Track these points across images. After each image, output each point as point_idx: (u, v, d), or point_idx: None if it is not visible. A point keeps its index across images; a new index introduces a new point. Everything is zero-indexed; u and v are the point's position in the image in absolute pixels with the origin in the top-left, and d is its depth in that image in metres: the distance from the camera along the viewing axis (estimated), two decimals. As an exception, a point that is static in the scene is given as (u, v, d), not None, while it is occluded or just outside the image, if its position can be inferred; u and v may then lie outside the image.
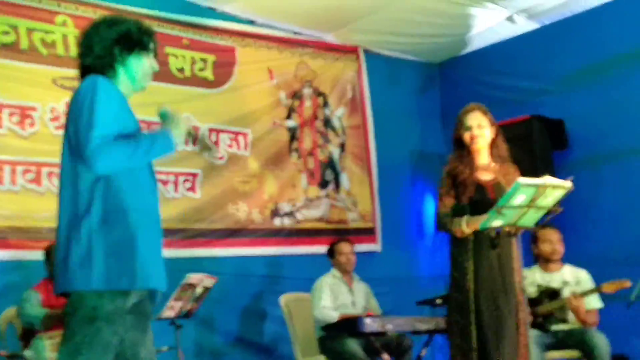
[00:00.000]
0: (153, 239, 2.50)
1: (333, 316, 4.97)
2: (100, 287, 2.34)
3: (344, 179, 6.49)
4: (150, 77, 2.65)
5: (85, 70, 2.57)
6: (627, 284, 4.40)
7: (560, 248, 4.82)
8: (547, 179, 3.50)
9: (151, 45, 2.63)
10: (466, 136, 3.82)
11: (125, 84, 2.60)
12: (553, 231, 4.81)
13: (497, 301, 3.65)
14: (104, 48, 2.54)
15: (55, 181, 5.05)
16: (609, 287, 4.49)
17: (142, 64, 2.60)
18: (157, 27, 5.50)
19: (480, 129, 3.80)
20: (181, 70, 5.73)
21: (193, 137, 2.68)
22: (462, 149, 3.86)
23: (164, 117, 2.64)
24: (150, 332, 2.57)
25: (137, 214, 2.43)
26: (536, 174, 3.80)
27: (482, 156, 3.85)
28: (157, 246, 2.52)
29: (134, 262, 2.39)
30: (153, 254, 2.48)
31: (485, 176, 3.82)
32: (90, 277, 2.34)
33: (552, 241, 4.80)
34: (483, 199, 3.70)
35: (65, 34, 5.22)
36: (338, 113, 6.60)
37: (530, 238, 4.88)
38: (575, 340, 4.57)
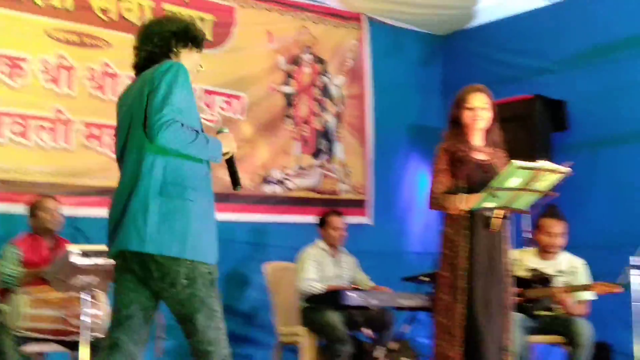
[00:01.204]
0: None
1: (318, 288, 4.92)
2: (199, 258, 2.60)
3: (339, 149, 6.39)
4: (195, 74, 2.84)
5: (142, 60, 2.79)
6: (618, 289, 4.32)
7: (558, 241, 4.72)
8: (543, 163, 3.45)
9: (203, 45, 2.90)
10: (468, 115, 3.78)
11: None
12: (556, 222, 4.69)
13: (489, 281, 3.64)
14: (163, 39, 2.78)
15: (44, 135, 4.97)
16: (599, 288, 4.43)
17: (192, 60, 2.83)
18: (153, -17, 5.42)
19: (483, 111, 3.79)
20: (178, 28, 5.60)
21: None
22: (458, 128, 3.80)
23: (220, 132, 2.87)
24: None
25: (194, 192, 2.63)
26: (535, 154, 3.77)
27: (477, 138, 3.84)
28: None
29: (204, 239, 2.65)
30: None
31: (480, 156, 3.80)
32: (185, 247, 2.56)
33: (551, 234, 4.70)
34: (481, 178, 3.67)
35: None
36: (337, 81, 6.48)
37: (532, 224, 4.83)
38: (559, 326, 4.55)
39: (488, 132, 3.84)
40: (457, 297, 3.63)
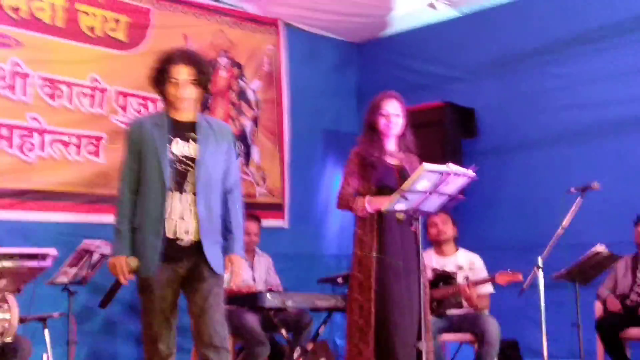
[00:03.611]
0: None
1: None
2: None
3: (255, 152, 6.42)
4: None
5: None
6: (519, 277, 4.53)
7: (446, 229, 4.90)
8: (451, 167, 3.57)
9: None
10: (382, 121, 3.92)
11: None
12: (439, 215, 4.84)
13: (402, 281, 3.75)
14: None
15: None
16: (501, 279, 4.62)
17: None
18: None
19: (397, 118, 3.94)
20: (92, 29, 5.51)
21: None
22: (373, 133, 3.93)
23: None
24: None
25: None
26: (445, 160, 3.88)
27: (391, 143, 3.99)
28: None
29: None
30: None
31: (392, 161, 3.96)
32: None
33: (437, 223, 4.89)
34: (392, 181, 3.82)
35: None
36: (253, 86, 6.51)
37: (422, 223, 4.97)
38: (468, 324, 4.69)
39: (401, 137, 3.99)
40: (368, 297, 3.75)
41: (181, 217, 3.12)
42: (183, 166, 3.11)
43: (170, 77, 3.16)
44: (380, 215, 3.78)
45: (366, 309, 3.75)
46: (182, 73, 3.17)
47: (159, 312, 3.12)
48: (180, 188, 3.12)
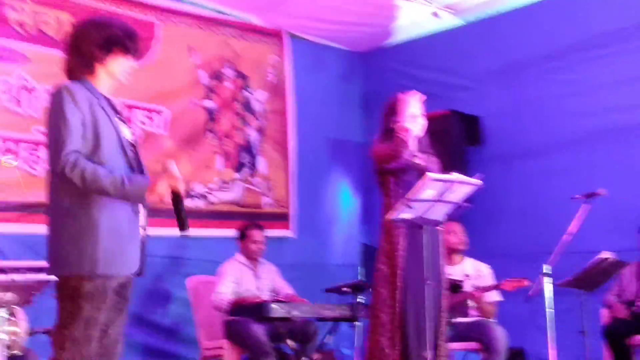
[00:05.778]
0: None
1: (225, 302, 4.94)
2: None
3: (261, 163, 6.44)
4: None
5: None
6: (526, 283, 4.54)
7: (464, 238, 4.94)
8: (455, 176, 3.58)
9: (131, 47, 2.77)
10: (407, 121, 3.90)
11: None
12: (456, 223, 4.90)
13: (424, 285, 3.72)
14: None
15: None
16: (508, 285, 4.63)
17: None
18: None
19: (421, 118, 3.97)
20: (97, 42, 5.55)
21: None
22: (392, 134, 3.91)
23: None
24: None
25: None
26: (450, 168, 3.90)
27: (413, 143, 3.97)
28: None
29: None
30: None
31: (417, 161, 3.98)
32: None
33: (457, 232, 4.92)
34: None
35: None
36: (259, 96, 6.53)
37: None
38: (475, 332, 4.69)
39: (421, 138, 4.01)
40: (395, 296, 3.75)
41: None
42: None
43: None
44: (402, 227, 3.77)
45: (392, 307, 3.74)
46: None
47: None
48: None
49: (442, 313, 3.79)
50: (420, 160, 3.95)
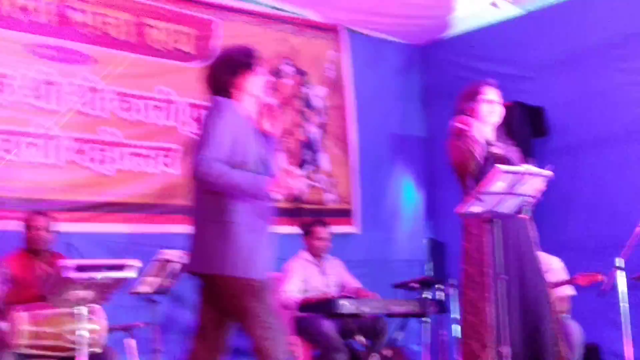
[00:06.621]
0: None
1: (293, 300, 4.94)
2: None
3: (324, 159, 6.44)
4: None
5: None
6: (600, 277, 4.44)
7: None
8: (526, 167, 3.52)
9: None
10: (485, 108, 3.83)
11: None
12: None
13: (517, 283, 3.65)
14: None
15: (33, 151, 4.97)
16: (582, 280, 4.54)
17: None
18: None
19: (498, 105, 3.87)
20: (160, 42, 5.64)
21: None
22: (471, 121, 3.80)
23: None
24: None
25: None
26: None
27: (489, 132, 3.87)
28: None
29: None
30: None
31: (496, 150, 3.84)
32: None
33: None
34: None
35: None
36: (318, 92, 6.54)
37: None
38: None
39: (499, 127, 3.90)
40: (485, 295, 3.63)
41: None
42: None
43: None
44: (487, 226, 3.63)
45: (482, 308, 3.64)
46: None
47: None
48: None
49: (553, 311, 3.66)
50: (498, 149, 3.87)
